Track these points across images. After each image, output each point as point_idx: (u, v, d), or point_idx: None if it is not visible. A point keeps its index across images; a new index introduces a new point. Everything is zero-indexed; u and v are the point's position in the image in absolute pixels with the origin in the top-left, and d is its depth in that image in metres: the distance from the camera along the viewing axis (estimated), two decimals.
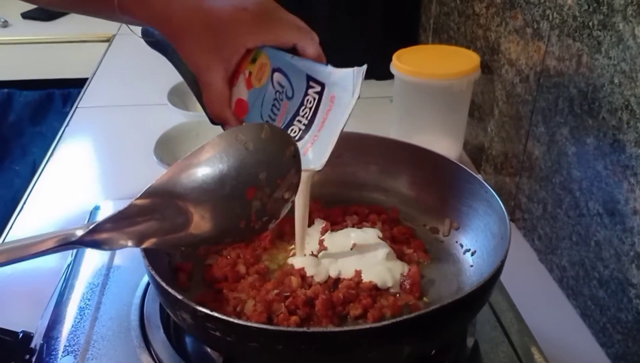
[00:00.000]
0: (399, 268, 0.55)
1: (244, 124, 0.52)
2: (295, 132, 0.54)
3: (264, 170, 0.47)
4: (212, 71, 0.53)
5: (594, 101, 0.64)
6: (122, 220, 0.41)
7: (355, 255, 0.56)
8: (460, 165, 0.60)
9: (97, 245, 0.40)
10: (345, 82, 0.52)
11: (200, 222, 0.44)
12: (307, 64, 0.54)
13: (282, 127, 0.55)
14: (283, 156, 0.49)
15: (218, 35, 0.52)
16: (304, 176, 0.52)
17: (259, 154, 0.47)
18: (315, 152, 0.53)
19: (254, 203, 0.47)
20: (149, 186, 0.42)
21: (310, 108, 0.54)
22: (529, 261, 0.78)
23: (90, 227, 0.39)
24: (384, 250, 0.56)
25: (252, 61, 0.55)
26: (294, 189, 0.49)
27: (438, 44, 1.15)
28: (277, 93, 0.56)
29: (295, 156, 0.49)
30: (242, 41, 0.53)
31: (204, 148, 0.46)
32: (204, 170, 0.45)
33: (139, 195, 0.42)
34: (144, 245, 0.42)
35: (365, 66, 0.51)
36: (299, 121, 0.55)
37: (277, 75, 0.56)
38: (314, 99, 0.54)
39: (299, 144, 0.53)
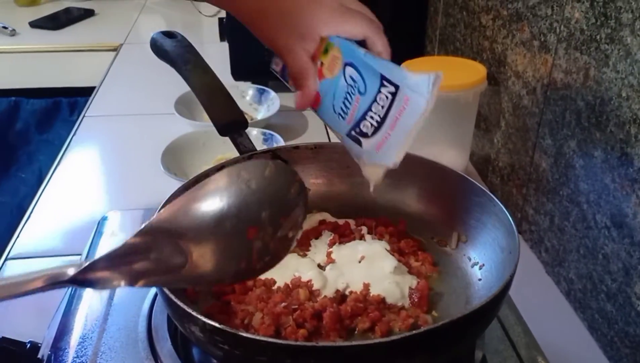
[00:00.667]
0: (407, 282, 0.55)
1: (247, 161, 0.52)
2: (367, 127, 0.55)
3: (266, 209, 0.46)
4: (294, 52, 0.56)
5: (602, 114, 0.64)
6: (116, 259, 0.39)
7: (363, 268, 0.56)
8: (469, 178, 0.60)
9: (89, 284, 0.38)
10: (421, 87, 0.52)
11: (199, 262, 0.43)
12: (380, 62, 0.55)
13: (355, 121, 0.56)
14: (288, 194, 0.48)
15: (294, 21, 0.55)
16: (377, 173, 0.55)
17: (262, 192, 0.46)
18: (387, 149, 0.54)
19: (256, 243, 0.45)
20: (144, 223, 0.41)
21: (383, 106, 0.54)
22: (535, 273, 0.78)
23: (83, 266, 0.37)
24: (392, 263, 0.56)
25: (324, 51, 0.57)
26: (299, 226, 0.48)
27: (444, 55, 1.16)
28: (349, 87, 0.57)
29: (301, 194, 0.48)
30: (316, 29, 0.55)
31: (205, 185, 0.44)
32: (203, 208, 0.43)
33: (134, 233, 0.40)
34: (139, 285, 0.40)
35: (441, 73, 0.52)
36: (372, 118, 0.55)
37: (349, 69, 0.57)
38: (387, 98, 0.54)
39: (372, 140, 0.55)
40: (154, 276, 0.41)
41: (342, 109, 0.57)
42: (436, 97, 0.52)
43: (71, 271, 0.37)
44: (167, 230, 0.41)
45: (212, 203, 0.44)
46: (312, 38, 0.56)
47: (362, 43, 0.58)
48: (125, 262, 0.39)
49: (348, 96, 0.57)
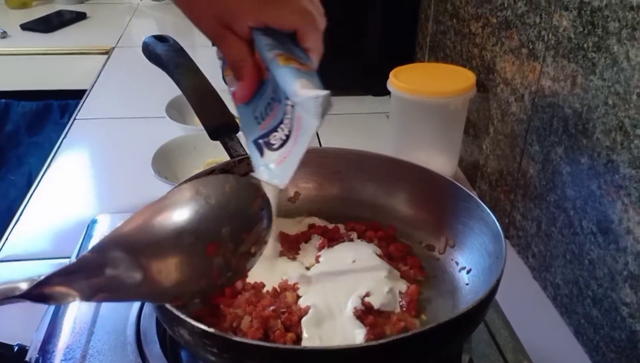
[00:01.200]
0: (399, 287, 0.56)
1: (208, 176, 0.49)
2: (276, 139, 0.51)
3: (227, 225, 0.45)
4: (226, 40, 0.53)
5: (588, 121, 0.65)
6: (70, 274, 0.38)
7: (354, 272, 0.56)
8: (457, 184, 0.61)
9: (43, 299, 0.37)
10: (309, 106, 0.47)
11: (157, 278, 0.42)
12: (280, 71, 0.50)
13: (267, 131, 0.52)
14: (250, 209, 0.47)
15: (221, 7, 0.51)
16: (271, 189, 0.50)
17: (222, 208, 0.45)
18: (283, 168, 0.49)
19: (216, 259, 0.45)
20: (100, 239, 0.40)
21: (290, 119, 0.50)
22: (522, 278, 0.79)
23: (37, 281, 0.37)
24: (385, 268, 0.56)
25: (252, 53, 0.53)
26: (263, 241, 0.47)
27: (434, 62, 1.17)
28: (273, 92, 0.53)
29: (264, 209, 0.47)
30: (242, 16, 0.51)
31: (163, 200, 0.44)
32: (162, 224, 0.43)
33: (89, 249, 0.40)
34: (95, 300, 0.40)
35: (328, 92, 0.46)
36: (282, 130, 0.51)
37: (270, 73, 0.53)
38: (291, 111, 0.50)
39: (275, 155, 0.50)
40: (109, 292, 0.40)
41: (261, 114, 0.53)
42: (323, 120, 0.46)
43: (24, 286, 0.37)
44: (123, 245, 0.41)
45: (171, 218, 0.43)
46: (240, 26, 0.52)
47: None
48: (80, 277, 0.39)
49: (271, 101, 0.53)
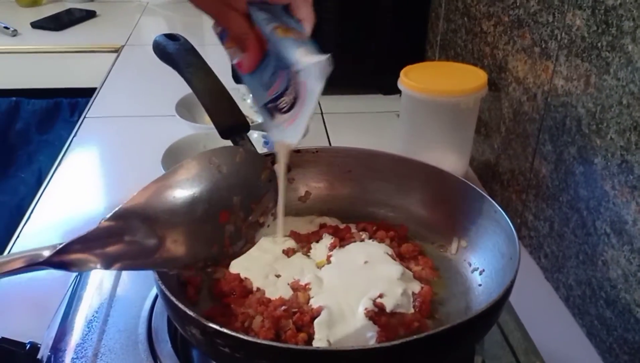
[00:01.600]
0: (412, 288, 0.55)
1: (218, 147, 0.51)
2: (283, 103, 0.55)
3: (237, 194, 0.46)
4: (226, 15, 0.57)
5: (602, 121, 0.64)
6: (90, 242, 0.39)
7: (366, 273, 0.56)
8: (470, 184, 0.61)
9: (64, 266, 0.38)
10: (311, 71, 0.51)
11: (172, 245, 0.43)
12: (281, 42, 0.54)
13: (274, 96, 0.56)
14: (258, 180, 0.48)
15: None
16: (284, 148, 0.54)
17: (233, 177, 0.47)
18: (293, 128, 0.54)
19: (227, 227, 0.46)
20: (118, 207, 0.41)
21: (295, 85, 0.54)
22: (535, 279, 0.78)
23: (58, 248, 0.38)
24: (398, 269, 0.56)
25: (252, 25, 0.57)
26: (270, 213, 0.49)
27: (445, 61, 1.16)
28: (277, 61, 0.57)
29: (272, 180, 0.49)
30: None
31: (177, 170, 0.45)
32: (176, 193, 0.44)
33: (107, 216, 0.40)
34: (114, 268, 0.41)
35: (327, 56, 0.50)
36: (289, 95, 0.55)
37: (270, 44, 0.57)
38: (296, 78, 0.54)
39: (285, 117, 0.54)
40: (127, 259, 0.41)
41: (268, 81, 0.57)
42: (322, 84, 0.50)
43: (46, 253, 0.38)
44: (140, 214, 0.42)
45: (184, 187, 0.44)
46: (238, 2, 0.56)
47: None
48: (100, 245, 0.39)
49: (276, 69, 0.57)
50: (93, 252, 0.39)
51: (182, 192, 0.44)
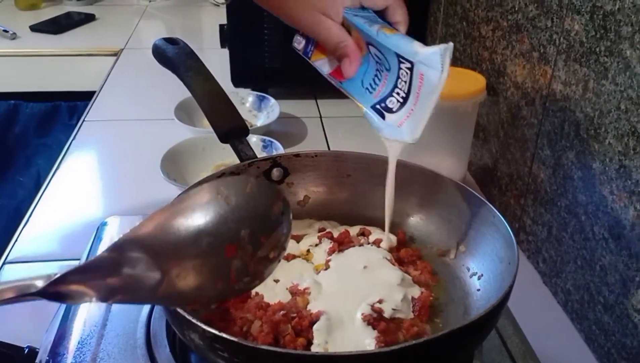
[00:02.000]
0: (411, 293, 0.55)
1: (229, 177, 0.50)
2: (393, 103, 0.57)
3: (246, 227, 0.44)
4: (323, 25, 0.59)
5: (600, 126, 0.64)
6: (88, 273, 0.37)
7: (366, 278, 0.56)
8: (469, 189, 0.61)
9: (59, 298, 0.37)
10: (433, 60, 0.53)
11: (174, 280, 0.41)
12: (392, 39, 0.56)
13: (382, 97, 0.58)
14: (270, 212, 0.46)
15: None
16: (396, 147, 0.56)
17: (242, 209, 0.44)
18: (409, 125, 0.55)
19: (234, 262, 0.44)
20: (118, 238, 0.40)
21: (406, 82, 0.55)
22: (533, 283, 0.78)
23: (53, 278, 0.36)
24: (398, 275, 0.56)
25: (348, 31, 0.59)
26: (281, 248, 0.46)
27: None
28: (378, 64, 0.59)
29: (284, 213, 0.46)
30: (342, 1, 0.58)
31: (182, 199, 0.43)
32: (180, 225, 0.42)
33: (107, 248, 0.39)
34: (111, 301, 0.39)
35: (451, 44, 0.52)
36: (397, 93, 0.56)
37: (372, 48, 0.59)
38: (407, 74, 0.55)
39: (396, 116, 0.56)
40: (126, 293, 0.39)
41: (370, 84, 0.59)
42: (448, 70, 0.53)
43: (40, 283, 0.36)
44: (141, 246, 0.40)
45: (190, 219, 0.42)
46: (336, 11, 0.58)
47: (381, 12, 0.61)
48: (97, 276, 0.38)
49: (378, 73, 0.58)
50: (90, 284, 0.37)
51: (187, 223, 0.42)
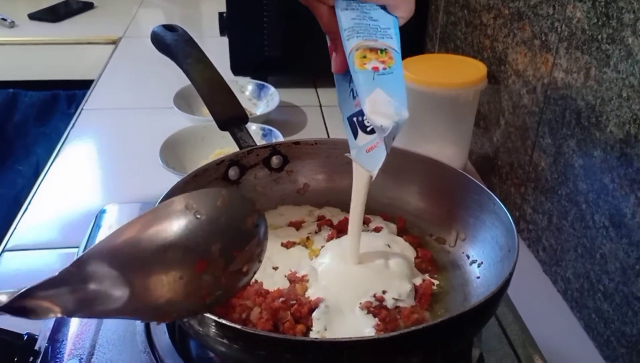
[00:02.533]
0: (414, 281, 0.55)
1: (198, 191, 0.46)
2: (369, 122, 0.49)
3: (217, 242, 0.43)
4: (318, 9, 0.52)
5: (602, 114, 0.64)
6: (53, 288, 0.37)
7: (367, 267, 0.55)
8: (469, 177, 0.61)
9: (24, 313, 0.36)
10: (378, 130, 0.47)
11: (143, 295, 0.41)
12: (357, 77, 0.48)
13: (361, 110, 0.49)
14: (243, 226, 0.45)
15: None
16: (364, 176, 0.50)
17: (212, 224, 0.43)
18: (374, 156, 0.50)
19: (204, 277, 0.43)
20: (84, 252, 0.39)
21: None
22: (533, 272, 0.78)
23: (17, 293, 0.36)
24: (399, 263, 0.56)
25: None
26: (256, 260, 0.46)
27: (444, 53, 1.16)
28: None
29: (258, 226, 0.46)
30: None
31: (151, 213, 0.42)
32: (149, 239, 0.41)
33: (71, 262, 0.38)
34: (77, 315, 0.39)
35: (395, 122, 0.46)
36: None
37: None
38: None
39: (367, 139, 0.50)
40: (93, 307, 0.39)
41: (354, 89, 0.52)
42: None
43: (3, 298, 0.36)
44: (108, 259, 0.39)
45: (159, 233, 0.41)
46: None
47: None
48: (63, 291, 0.37)
49: None
50: (55, 299, 0.37)
51: (156, 238, 0.41)
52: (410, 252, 0.59)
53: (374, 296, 0.52)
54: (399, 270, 0.55)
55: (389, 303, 0.52)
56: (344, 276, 0.55)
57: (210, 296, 0.44)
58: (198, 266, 0.42)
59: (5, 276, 0.73)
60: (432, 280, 0.57)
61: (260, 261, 0.46)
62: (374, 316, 0.50)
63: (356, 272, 0.55)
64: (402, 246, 0.60)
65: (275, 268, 0.58)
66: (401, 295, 0.52)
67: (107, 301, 0.39)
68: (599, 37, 0.64)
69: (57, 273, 0.38)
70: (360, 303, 0.51)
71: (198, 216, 0.43)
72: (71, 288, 0.38)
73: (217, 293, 0.44)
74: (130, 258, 0.40)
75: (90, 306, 0.39)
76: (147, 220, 0.41)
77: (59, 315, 0.38)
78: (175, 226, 0.42)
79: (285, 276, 0.57)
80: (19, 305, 0.36)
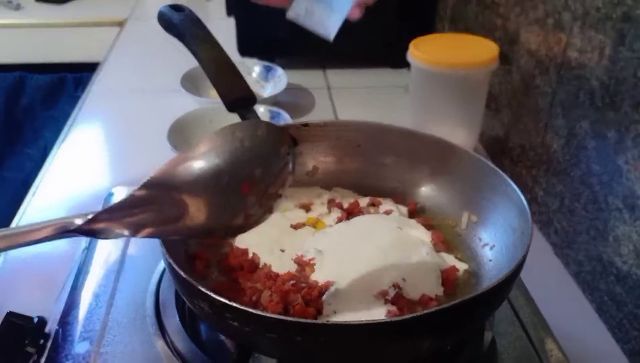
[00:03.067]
0: (441, 265, 0.54)
1: (242, 121, 0.53)
2: None
3: (259, 166, 0.48)
4: None
5: (616, 94, 0.63)
6: (120, 211, 0.41)
7: (382, 251, 0.54)
8: (481, 158, 0.60)
9: (94, 234, 0.41)
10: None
11: (196, 214, 0.45)
12: None
13: None
14: (278, 153, 0.50)
15: None
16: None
17: (255, 151, 0.49)
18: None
19: (249, 198, 0.48)
20: (147, 178, 0.43)
21: None
22: (544, 254, 0.78)
23: (89, 217, 0.40)
24: (424, 249, 0.55)
25: None
26: (287, 184, 0.51)
27: (454, 33, 1.14)
28: None
29: (290, 153, 0.51)
30: None
31: (201, 143, 0.47)
32: (201, 164, 0.46)
33: (137, 187, 0.42)
34: (140, 235, 0.43)
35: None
36: None
37: None
38: None
39: None
40: (153, 226, 0.43)
41: None
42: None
43: (78, 221, 0.40)
44: (166, 184, 0.44)
45: (209, 160, 0.46)
46: None
47: None
48: (128, 214, 0.42)
49: None
50: (122, 221, 0.41)
51: (207, 164, 0.46)
52: (425, 235, 0.59)
53: (394, 285, 0.51)
54: (419, 257, 0.54)
55: (412, 293, 0.51)
56: (357, 257, 0.54)
57: (252, 216, 0.49)
58: (244, 188, 0.48)
59: (15, 259, 0.73)
60: (457, 266, 0.56)
61: (289, 186, 0.51)
62: (392, 304, 0.50)
63: (371, 256, 0.54)
64: (416, 228, 0.59)
65: (283, 251, 0.58)
66: (425, 288, 0.52)
67: (166, 222, 0.44)
68: (614, 15, 0.62)
69: (124, 198, 0.42)
70: (378, 291, 0.50)
71: (243, 143, 0.48)
72: (135, 211, 0.42)
73: (258, 213, 0.49)
74: (186, 182, 0.45)
75: (151, 226, 0.43)
76: (199, 149, 0.46)
77: (125, 235, 0.42)
78: (223, 152, 0.47)
79: (292, 259, 0.57)
80: (89, 228, 0.40)
